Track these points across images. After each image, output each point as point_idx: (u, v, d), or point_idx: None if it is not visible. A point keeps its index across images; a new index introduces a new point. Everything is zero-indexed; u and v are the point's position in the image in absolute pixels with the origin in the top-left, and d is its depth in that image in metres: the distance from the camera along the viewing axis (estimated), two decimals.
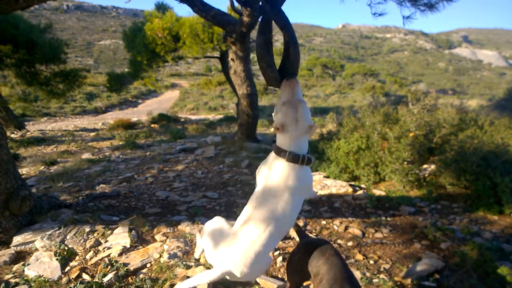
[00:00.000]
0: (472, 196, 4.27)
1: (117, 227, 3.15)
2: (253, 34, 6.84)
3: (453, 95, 38.31)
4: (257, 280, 2.37)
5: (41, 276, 2.38)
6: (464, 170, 4.34)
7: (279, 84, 1.82)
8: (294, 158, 1.69)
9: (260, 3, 1.87)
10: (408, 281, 2.57)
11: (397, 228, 3.63)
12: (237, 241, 1.74)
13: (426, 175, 4.82)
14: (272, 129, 1.71)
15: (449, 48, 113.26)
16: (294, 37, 1.85)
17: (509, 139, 4.85)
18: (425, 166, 4.95)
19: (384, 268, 2.79)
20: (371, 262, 2.89)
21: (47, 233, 2.96)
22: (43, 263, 2.54)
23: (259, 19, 1.92)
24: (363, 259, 2.94)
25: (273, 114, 1.78)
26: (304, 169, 1.74)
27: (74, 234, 2.99)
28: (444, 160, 4.58)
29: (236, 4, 6.17)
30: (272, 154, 1.79)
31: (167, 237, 3.03)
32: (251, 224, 1.73)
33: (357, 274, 2.59)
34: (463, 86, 61.57)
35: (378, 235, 3.45)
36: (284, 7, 1.88)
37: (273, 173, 1.75)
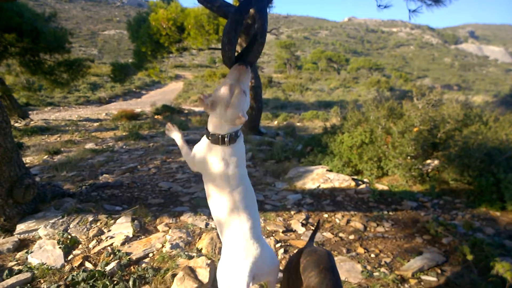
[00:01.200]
0: (475, 192, 4.25)
1: (120, 217, 3.17)
2: None
3: (458, 91, 38.01)
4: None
5: (44, 264, 2.41)
6: (468, 166, 4.32)
7: (231, 65, 1.75)
8: (215, 140, 1.62)
9: None
10: (409, 275, 2.58)
11: (399, 222, 3.63)
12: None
13: (429, 170, 4.80)
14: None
15: (455, 43, 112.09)
16: (265, 29, 1.86)
17: None
18: (428, 161, 4.93)
19: (385, 261, 2.79)
20: (372, 255, 2.90)
21: (51, 221, 2.98)
22: (46, 251, 2.57)
23: (237, 7, 1.94)
24: (365, 252, 2.95)
25: (214, 90, 1.69)
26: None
27: (77, 223, 3.02)
28: (447, 155, 4.56)
29: None
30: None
31: (170, 228, 3.05)
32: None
33: (358, 268, 2.60)
34: (469, 81, 61.05)
35: (380, 229, 3.46)
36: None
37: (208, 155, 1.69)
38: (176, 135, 1.92)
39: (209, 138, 1.64)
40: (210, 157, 1.66)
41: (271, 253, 1.70)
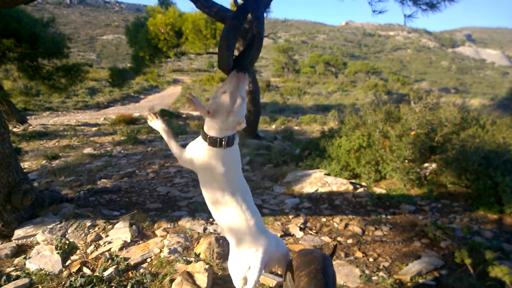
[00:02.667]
0: (472, 195, 4.26)
1: (118, 222, 3.17)
2: None
3: (455, 94, 38.18)
4: None
5: (42, 270, 2.40)
6: (465, 169, 4.33)
7: (229, 71, 1.78)
8: (213, 142, 1.66)
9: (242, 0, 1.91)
10: (408, 279, 2.58)
11: (397, 226, 3.63)
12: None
13: (427, 173, 4.81)
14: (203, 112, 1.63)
15: (452, 47, 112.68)
16: (262, 34, 1.87)
17: (510, 139, 4.83)
18: (426, 164, 4.95)
19: (383, 266, 2.80)
20: (371, 259, 2.90)
21: (48, 227, 2.97)
22: (44, 256, 2.56)
23: (239, 6, 1.96)
24: (363, 256, 2.95)
25: (211, 97, 1.70)
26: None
27: (75, 228, 3.01)
28: (445, 159, 4.57)
29: (239, 0, 6.16)
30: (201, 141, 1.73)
31: (168, 232, 3.05)
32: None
33: (357, 272, 2.60)
34: (466, 85, 61.30)
35: (378, 233, 3.46)
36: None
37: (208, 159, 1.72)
38: (158, 125, 1.86)
39: (207, 140, 1.67)
40: (209, 159, 1.69)
41: (277, 241, 1.85)
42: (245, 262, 1.70)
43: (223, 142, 1.65)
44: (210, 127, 1.67)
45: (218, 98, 1.65)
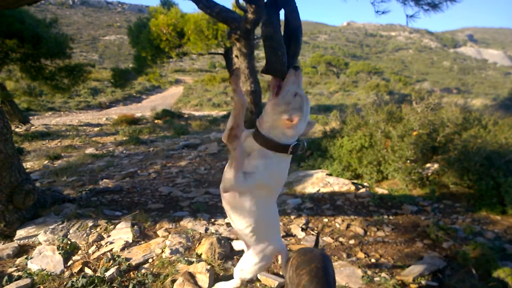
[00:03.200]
0: (475, 195, 4.24)
1: (119, 222, 3.17)
2: (258, 31, 6.82)
3: (457, 94, 38.07)
4: (259, 276, 2.38)
5: (44, 270, 2.41)
6: (468, 170, 4.31)
7: (285, 71, 1.63)
8: (295, 149, 1.62)
9: None
10: (410, 280, 2.57)
11: (399, 226, 3.62)
12: None
13: (429, 174, 4.80)
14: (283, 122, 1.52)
15: (454, 47, 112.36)
16: (301, 27, 1.76)
17: None
18: (428, 165, 4.93)
19: (385, 266, 2.79)
20: (373, 260, 2.89)
21: (50, 227, 2.98)
22: (46, 256, 2.56)
23: (266, 11, 1.80)
24: (365, 257, 2.95)
25: (272, 104, 1.58)
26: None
27: (77, 229, 3.01)
28: (447, 159, 4.56)
29: (241, 1, 6.15)
30: (265, 150, 1.61)
31: (169, 233, 3.05)
32: None
33: (359, 273, 2.59)
34: (468, 85, 61.11)
35: (380, 233, 3.45)
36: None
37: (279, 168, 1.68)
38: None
39: (290, 150, 1.60)
40: (281, 166, 1.68)
41: None
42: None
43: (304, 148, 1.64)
44: (293, 133, 1.58)
45: (291, 103, 1.55)
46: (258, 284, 2.36)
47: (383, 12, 4.68)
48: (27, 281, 2.24)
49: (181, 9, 10.50)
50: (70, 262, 2.56)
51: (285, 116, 1.52)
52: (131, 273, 2.41)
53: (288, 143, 1.59)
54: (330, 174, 5.04)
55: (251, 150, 1.64)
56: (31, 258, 2.56)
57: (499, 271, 2.51)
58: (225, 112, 16.62)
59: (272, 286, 2.33)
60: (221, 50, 11.43)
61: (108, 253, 2.66)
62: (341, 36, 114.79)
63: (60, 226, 3.01)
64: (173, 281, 2.25)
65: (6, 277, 2.28)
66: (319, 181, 4.77)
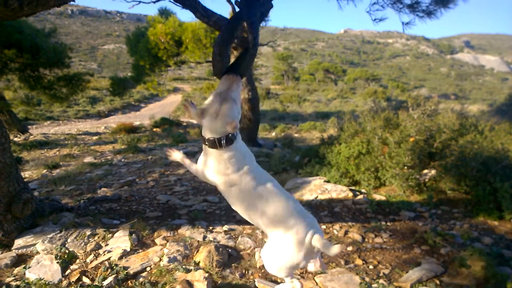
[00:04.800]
0: (472, 201, 4.26)
1: (117, 231, 3.17)
2: None
3: (455, 100, 38.28)
4: (256, 283, 2.39)
5: (42, 279, 2.40)
6: (464, 175, 4.34)
7: (219, 75, 1.85)
8: (212, 144, 1.69)
9: (238, 9, 1.92)
10: (408, 286, 2.57)
11: (397, 233, 3.63)
12: None
13: (427, 180, 4.82)
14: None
15: (451, 53, 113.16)
16: (257, 40, 1.91)
17: (509, 145, 4.84)
18: (425, 171, 4.95)
19: (383, 273, 2.79)
20: (371, 267, 2.90)
21: (48, 236, 2.98)
22: (44, 266, 2.56)
23: (234, 14, 2.00)
24: (363, 264, 2.95)
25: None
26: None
27: (75, 238, 3.01)
28: (444, 165, 4.58)
29: (237, 9, 6.24)
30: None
31: (167, 241, 3.05)
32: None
33: (357, 279, 2.60)
34: (465, 91, 61.46)
35: (378, 240, 3.46)
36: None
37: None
38: (177, 156, 2.04)
39: (206, 143, 1.68)
40: (218, 162, 1.73)
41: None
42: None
43: (222, 142, 1.66)
44: (205, 129, 1.71)
45: (209, 99, 1.70)
46: None
47: (380, 20, 4.77)
48: None
49: (179, 18, 10.63)
50: (68, 271, 2.56)
51: (198, 110, 1.73)
52: (129, 281, 2.41)
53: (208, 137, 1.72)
54: (328, 181, 5.06)
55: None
56: (29, 267, 2.56)
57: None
58: None
59: None
60: None
61: (106, 262, 2.66)
62: (338, 43, 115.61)
63: (58, 235, 3.01)
64: None
65: (4, 287, 2.27)
66: (317, 188, 4.78)
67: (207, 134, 1.70)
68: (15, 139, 10.67)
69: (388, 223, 3.89)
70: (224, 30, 1.88)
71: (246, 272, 2.63)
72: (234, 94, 1.70)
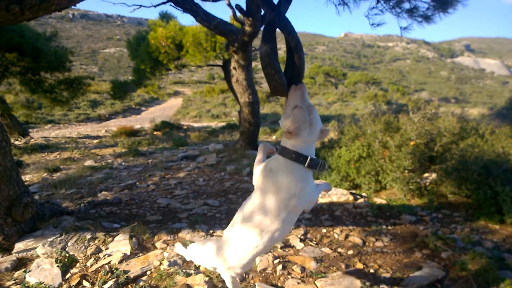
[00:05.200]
0: (473, 205, 4.25)
1: (118, 234, 3.17)
2: (255, 43, 6.91)
3: (455, 104, 38.30)
4: (256, 287, 2.38)
5: (42, 283, 2.40)
6: (465, 179, 4.33)
7: (286, 90, 1.75)
8: (313, 164, 1.63)
9: (264, 13, 1.83)
10: None
11: (397, 237, 3.62)
12: None
13: (427, 183, 4.81)
14: (280, 134, 1.68)
15: (451, 57, 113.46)
16: (300, 44, 1.80)
17: (510, 148, 4.85)
18: (426, 174, 4.95)
19: (384, 277, 2.78)
20: (372, 271, 2.89)
21: (49, 240, 2.98)
22: (44, 270, 2.56)
23: (263, 27, 1.87)
24: (364, 268, 2.94)
25: (280, 120, 1.71)
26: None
27: (75, 241, 3.01)
28: (445, 168, 4.58)
29: (238, 14, 6.26)
30: (281, 160, 1.67)
31: (168, 245, 3.05)
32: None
33: (357, 283, 2.59)
34: (466, 94, 61.53)
35: (379, 243, 3.45)
36: (288, 16, 1.86)
37: (288, 179, 1.66)
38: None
39: (298, 160, 1.63)
40: (291, 177, 1.65)
41: None
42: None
43: (318, 163, 1.64)
44: (295, 145, 1.65)
45: (291, 116, 1.64)
46: None
47: (378, 25, 4.78)
48: None
49: (180, 22, 10.62)
50: (68, 275, 2.56)
51: (284, 129, 1.64)
52: (129, 285, 2.40)
53: (303, 154, 1.63)
54: None
55: None
56: (29, 271, 2.56)
57: (501, 286, 2.50)
58: (223, 123, 16.68)
59: None
60: (219, 62, 11.54)
61: (106, 266, 2.66)
62: (338, 47, 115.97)
63: (59, 239, 3.01)
64: None
65: None
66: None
67: (299, 149, 1.64)
68: (16, 142, 10.68)
69: (389, 227, 3.88)
70: (267, 47, 1.77)
71: (247, 276, 2.62)
72: (309, 101, 1.72)
